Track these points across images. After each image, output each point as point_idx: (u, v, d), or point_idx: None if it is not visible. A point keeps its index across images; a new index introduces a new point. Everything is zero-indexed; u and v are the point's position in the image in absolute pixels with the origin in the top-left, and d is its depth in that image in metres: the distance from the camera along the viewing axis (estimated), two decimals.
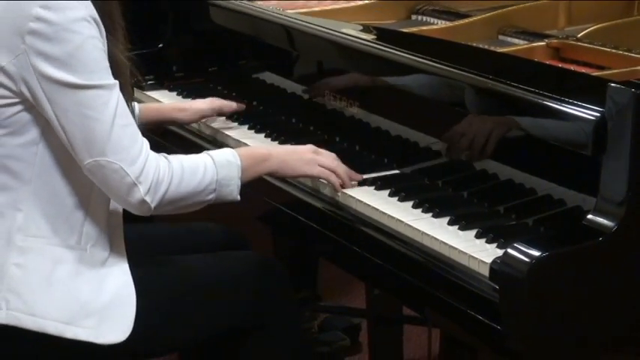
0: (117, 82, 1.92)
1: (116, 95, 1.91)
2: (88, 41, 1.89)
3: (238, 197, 2.05)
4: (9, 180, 1.97)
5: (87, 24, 1.89)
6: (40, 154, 1.97)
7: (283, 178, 2.23)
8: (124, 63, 2.01)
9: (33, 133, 1.96)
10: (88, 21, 1.89)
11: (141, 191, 1.92)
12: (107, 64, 1.92)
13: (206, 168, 2.00)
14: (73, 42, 1.88)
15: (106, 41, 1.94)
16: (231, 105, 2.54)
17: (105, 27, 1.94)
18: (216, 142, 2.47)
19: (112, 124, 1.90)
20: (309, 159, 2.15)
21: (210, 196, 2.02)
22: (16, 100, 1.93)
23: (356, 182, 2.16)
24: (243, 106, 2.54)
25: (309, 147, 2.19)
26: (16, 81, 1.91)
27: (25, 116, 1.95)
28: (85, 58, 1.89)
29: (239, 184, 2.04)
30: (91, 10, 1.90)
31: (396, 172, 2.19)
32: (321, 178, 2.16)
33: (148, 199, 1.93)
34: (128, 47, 2.04)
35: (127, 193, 1.92)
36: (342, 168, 2.14)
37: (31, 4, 1.87)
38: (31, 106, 1.93)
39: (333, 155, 2.17)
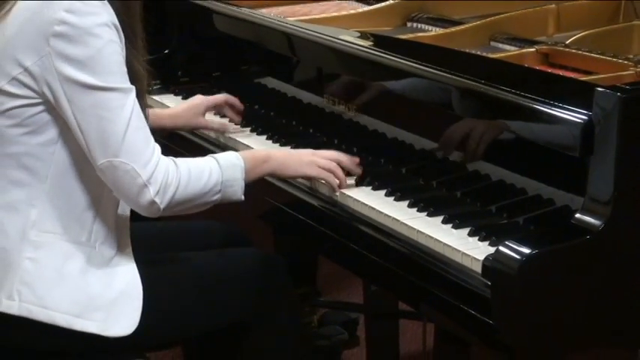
0: (133, 87, 1.93)
1: (132, 99, 1.93)
2: (109, 45, 1.90)
3: (242, 197, 2.05)
4: (26, 177, 1.97)
5: (108, 29, 1.91)
6: (57, 153, 1.97)
7: (284, 179, 2.23)
8: (142, 72, 2.02)
9: (51, 133, 1.97)
10: (109, 26, 1.91)
11: (151, 193, 1.93)
12: (125, 69, 1.93)
13: (211, 170, 2.01)
14: (95, 45, 1.89)
15: (124, 48, 1.95)
16: (228, 99, 2.54)
17: (126, 37, 1.95)
18: (220, 144, 2.47)
19: (127, 126, 1.91)
20: (308, 161, 2.15)
21: (216, 197, 2.02)
22: (38, 100, 1.94)
23: (353, 183, 2.16)
24: (242, 106, 2.54)
25: (309, 150, 2.20)
26: (39, 81, 1.93)
27: (45, 116, 1.96)
28: (105, 61, 1.90)
29: (243, 184, 2.05)
30: (112, 17, 1.92)
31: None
32: (319, 178, 2.16)
33: (157, 200, 1.93)
34: (146, 58, 2.04)
35: (138, 194, 1.93)
36: (340, 172, 2.14)
37: (57, 9, 1.89)
38: (52, 107, 1.94)
39: (333, 155, 2.17)
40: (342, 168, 2.16)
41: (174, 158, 1.99)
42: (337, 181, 2.14)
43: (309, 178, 2.19)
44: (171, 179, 1.95)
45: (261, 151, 2.21)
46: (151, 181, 1.92)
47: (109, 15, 1.90)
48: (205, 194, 2.01)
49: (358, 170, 2.17)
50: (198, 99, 2.53)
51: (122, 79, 1.92)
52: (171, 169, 1.95)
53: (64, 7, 1.88)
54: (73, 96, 1.90)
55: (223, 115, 2.56)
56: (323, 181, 2.16)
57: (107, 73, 1.90)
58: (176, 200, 1.96)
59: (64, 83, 1.89)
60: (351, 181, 2.15)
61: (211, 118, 2.52)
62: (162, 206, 1.94)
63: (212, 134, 2.50)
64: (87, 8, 1.89)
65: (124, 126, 1.90)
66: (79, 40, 1.88)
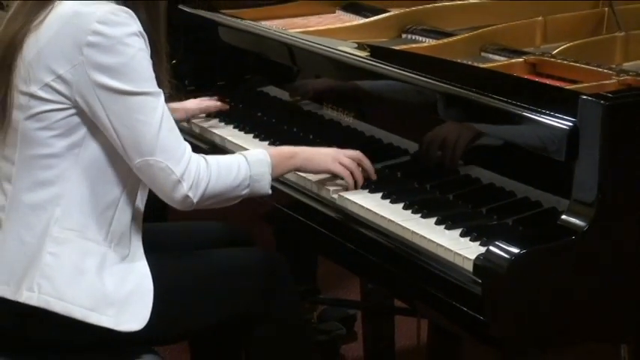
0: (162, 90, 1.96)
1: (162, 102, 1.96)
2: (139, 53, 1.93)
3: (270, 191, 2.08)
4: (53, 177, 1.98)
5: (137, 38, 1.93)
6: (81, 156, 1.99)
7: (284, 182, 2.24)
8: (165, 81, 2.03)
9: (77, 136, 1.98)
10: (138, 36, 1.93)
11: (184, 188, 1.95)
12: (153, 74, 1.96)
13: (240, 166, 2.04)
14: (127, 54, 1.91)
15: (153, 63, 1.97)
16: (216, 104, 2.60)
17: (153, 51, 1.97)
18: (226, 149, 2.47)
19: (160, 127, 1.94)
20: (333, 157, 2.16)
21: (245, 191, 2.05)
22: (68, 105, 1.96)
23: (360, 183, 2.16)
24: (227, 106, 2.59)
25: (332, 149, 2.21)
26: (72, 88, 1.94)
27: (73, 120, 1.97)
28: (136, 68, 1.93)
29: (270, 179, 2.08)
30: (139, 27, 1.94)
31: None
32: (340, 174, 2.16)
33: (190, 194, 1.96)
34: (169, 70, 2.07)
35: (172, 189, 1.96)
36: (358, 172, 2.15)
37: (90, 20, 1.90)
38: (80, 111, 1.95)
39: (356, 155, 2.17)
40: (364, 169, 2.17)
41: (204, 155, 2.01)
42: (353, 182, 2.14)
43: (330, 173, 2.19)
44: (202, 175, 1.97)
45: (288, 147, 2.21)
46: (185, 177, 1.95)
47: (137, 25, 1.93)
48: (235, 188, 2.03)
49: (374, 175, 2.17)
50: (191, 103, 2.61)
51: (152, 84, 1.95)
52: (202, 165, 1.98)
53: (96, 18, 1.90)
54: (107, 102, 1.92)
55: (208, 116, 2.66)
56: (330, 187, 2.16)
57: (139, 79, 1.92)
58: (208, 194, 1.98)
59: (98, 90, 1.91)
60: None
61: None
62: (195, 200, 1.97)
63: (216, 139, 2.49)
64: (118, 19, 1.91)
65: (157, 127, 1.93)
66: (111, 50, 1.90)
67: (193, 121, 2.62)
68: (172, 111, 2.48)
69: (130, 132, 1.92)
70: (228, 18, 2.70)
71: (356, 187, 2.13)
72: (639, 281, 1.81)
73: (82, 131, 1.96)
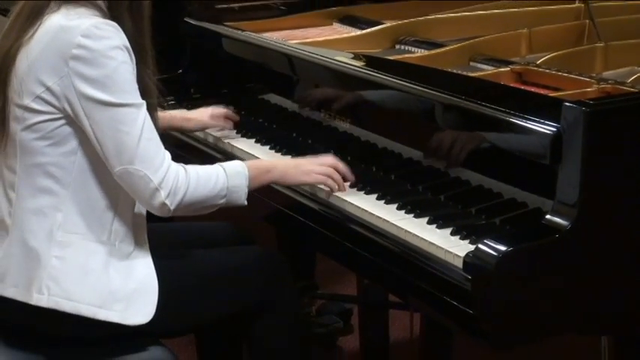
0: (144, 102, 1.94)
1: (144, 113, 1.93)
2: (122, 66, 1.91)
3: (245, 202, 2.05)
4: (52, 184, 1.97)
5: (120, 51, 1.90)
6: (78, 162, 1.97)
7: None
8: (153, 87, 2.02)
9: (72, 144, 1.96)
10: (121, 49, 1.91)
11: (162, 195, 1.93)
12: (136, 86, 1.93)
13: (218, 177, 2.01)
14: (109, 66, 1.89)
15: (136, 67, 1.95)
16: (227, 113, 2.55)
17: (137, 55, 1.95)
18: (227, 153, 2.47)
19: (140, 137, 1.91)
20: (308, 170, 2.14)
21: (222, 201, 2.02)
22: (59, 115, 1.94)
23: (348, 185, 2.15)
24: (237, 117, 2.55)
25: (309, 159, 2.18)
26: (60, 99, 1.92)
27: (66, 129, 1.95)
28: (118, 80, 1.90)
29: (246, 191, 2.05)
30: (124, 40, 1.92)
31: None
32: (317, 183, 2.15)
33: (167, 202, 1.93)
34: (156, 73, 2.04)
35: (150, 196, 1.93)
36: (336, 175, 2.13)
37: (75, 34, 1.89)
38: (71, 120, 1.94)
39: (330, 161, 2.15)
40: (340, 172, 2.15)
41: (184, 165, 1.99)
42: (335, 185, 2.13)
43: (307, 184, 2.18)
44: (180, 184, 1.95)
45: (265, 161, 2.21)
46: (162, 185, 1.93)
47: (120, 39, 1.91)
48: (212, 198, 2.00)
49: (352, 177, 2.16)
50: (205, 109, 2.55)
51: (134, 96, 1.92)
52: (181, 174, 1.96)
53: (80, 32, 1.89)
54: (90, 112, 1.90)
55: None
56: (322, 186, 2.16)
57: (121, 91, 1.90)
58: (185, 203, 1.96)
59: (83, 100, 1.90)
60: (345, 183, 2.14)
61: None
62: (172, 207, 1.95)
63: (221, 144, 2.48)
64: (101, 33, 1.89)
65: (137, 137, 1.91)
66: (94, 62, 1.88)
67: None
68: (186, 121, 2.50)
69: (111, 141, 1.91)
70: (232, 30, 2.70)
71: (339, 190, 2.12)
72: (619, 277, 1.81)
73: (76, 140, 1.95)
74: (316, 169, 2.14)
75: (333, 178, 2.13)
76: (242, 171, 2.06)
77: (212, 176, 2.01)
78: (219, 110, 2.55)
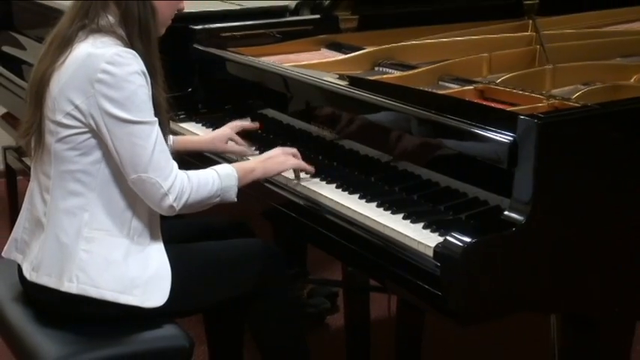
0: (157, 119, 1.94)
1: (156, 129, 1.93)
2: (139, 89, 1.91)
3: (236, 199, 2.07)
4: (80, 188, 1.97)
5: (138, 76, 1.91)
6: (102, 170, 1.98)
7: (278, 184, 2.22)
8: (164, 104, 2.01)
9: (97, 154, 1.96)
10: (139, 74, 1.91)
11: (170, 199, 1.94)
12: (151, 105, 1.93)
13: (213, 180, 2.02)
14: (129, 89, 1.89)
15: (151, 88, 1.94)
16: (243, 125, 2.48)
17: (150, 74, 1.94)
18: (231, 160, 2.45)
19: (153, 150, 1.91)
20: (281, 160, 2.17)
21: (217, 199, 2.04)
22: (86, 129, 1.94)
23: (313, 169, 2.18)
24: (256, 126, 2.50)
25: (277, 150, 2.19)
26: (86, 115, 1.92)
27: (92, 142, 1.95)
28: (136, 101, 1.90)
29: (236, 190, 2.07)
30: (141, 66, 1.92)
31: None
32: (294, 167, 2.17)
33: (174, 204, 1.95)
34: (166, 90, 2.04)
35: (160, 200, 1.95)
36: (299, 155, 2.18)
37: (100, 61, 1.89)
38: (96, 134, 1.95)
39: (290, 149, 2.19)
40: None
41: (187, 171, 1.99)
42: (307, 165, 2.17)
43: (287, 170, 2.19)
44: (185, 189, 1.96)
45: (248, 162, 2.21)
46: (171, 190, 1.94)
47: (138, 65, 1.91)
48: (209, 198, 2.02)
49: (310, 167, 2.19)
50: (222, 131, 2.44)
51: (149, 115, 1.92)
52: (185, 181, 1.97)
53: (105, 59, 1.89)
54: (111, 127, 1.90)
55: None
56: (304, 175, 2.18)
57: (138, 110, 1.90)
58: (188, 204, 1.97)
59: (105, 117, 1.90)
60: (332, 185, 2.14)
61: (232, 145, 2.44)
62: (177, 208, 1.96)
63: (233, 156, 2.46)
64: (123, 60, 1.89)
65: (151, 150, 1.91)
66: (116, 85, 1.88)
67: None
68: (201, 145, 2.44)
69: (127, 153, 1.91)
70: (234, 54, 2.69)
71: (307, 171, 2.17)
72: (566, 263, 1.80)
73: (100, 151, 1.96)
74: (286, 157, 2.17)
75: (301, 164, 2.17)
76: (232, 173, 2.07)
77: (209, 180, 2.01)
78: (233, 131, 2.44)
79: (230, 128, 2.44)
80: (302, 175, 2.19)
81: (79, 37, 1.95)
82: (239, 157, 2.41)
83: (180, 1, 2.09)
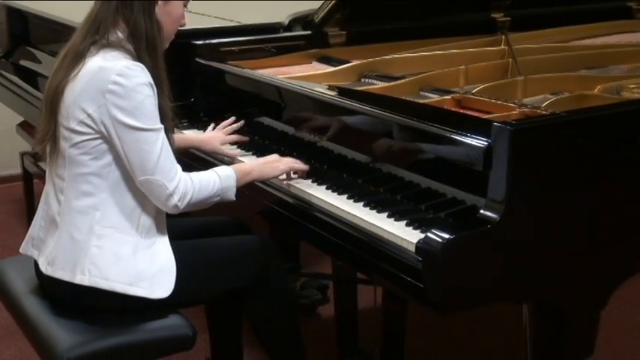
0: (163, 126, 1.94)
1: (162, 135, 1.93)
2: (147, 99, 1.91)
3: (234, 199, 2.07)
4: (92, 189, 1.97)
5: (146, 87, 1.91)
6: (112, 172, 1.97)
7: (274, 186, 2.21)
8: (169, 111, 2.01)
9: (108, 158, 1.96)
10: (147, 85, 1.91)
11: (175, 199, 1.94)
12: (157, 114, 1.93)
13: (214, 182, 2.02)
14: (137, 99, 1.89)
15: (157, 98, 1.94)
16: (231, 123, 2.50)
17: (156, 85, 1.94)
18: (226, 162, 2.44)
19: (159, 155, 1.92)
20: (275, 165, 2.16)
21: (217, 199, 2.04)
22: (97, 135, 1.94)
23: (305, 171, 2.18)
24: (246, 138, 2.50)
25: (274, 156, 2.20)
26: (98, 123, 1.92)
27: (104, 146, 1.95)
28: (144, 110, 1.91)
29: (234, 190, 2.07)
30: (149, 78, 1.92)
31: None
32: (286, 172, 2.17)
33: (179, 204, 1.95)
34: (171, 99, 2.04)
35: (166, 199, 1.95)
36: (297, 165, 2.17)
37: (111, 73, 1.90)
38: (107, 140, 1.94)
39: (291, 161, 2.19)
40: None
41: (190, 173, 2.00)
42: (299, 166, 2.16)
43: (279, 175, 2.19)
44: (188, 189, 1.96)
45: (246, 165, 2.20)
46: (175, 191, 1.94)
47: (146, 76, 1.91)
48: (210, 198, 2.02)
49: (305, 167, 2.19)
50: (216, 132, 2.48)
51: (156, 122, 1.92)
52: (189, 182, 1.97)
53: (115, 71, 1.89)
54: (121, 133, 1.90)
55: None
56: (295, 176, 2.17)
57: (145, 118, 1.90)
58: (191, 203, 1.98)
59: (116, 124, 1.90)
60: (322, 186, 2.13)
61: (227, 147, 2.46)
62: (181, 207, 1.97)
63: (226, 158, 2.46)
64: (132, 72, 1.89)
65: (157, 155, 1.91)
66: (126, 95, 1.88)
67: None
68: (201, 143, 2.45)
69: (136, 157, 1.91)
70: (233, 67, 2.68)
71: (303, 172, 2.17)
72: (537, 257, 1.80)
73: (111, 155, 1.95)
74: (279, 163, 2.16)
75: (294, 169, 2.17)
76: (231, 175, 2.07)
77: (210, 181, 2.02)
78: (226, 132, 2.48)
79: (222, 131, 2.46)
80: (295, 176, 2.19)
81: (91, 52, 1.95)
82: (233, 159, 2.41)
83: (183, 18, 2.09)
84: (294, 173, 2.19)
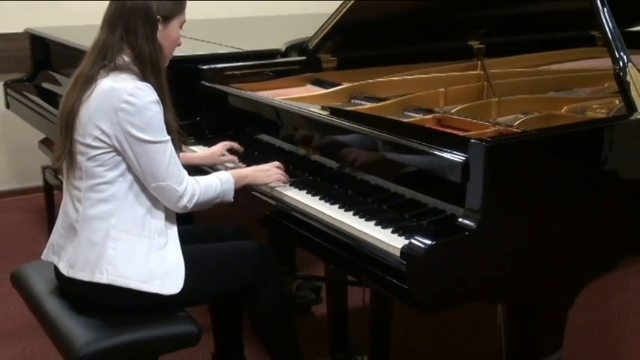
0: (169, 137, 1.95)
1: (170, 146, 1.96)
2: (156, 115, 1.93)
3: (232, 200, 2.10)
4: (108, 197, 1.97)
5: (155, 104, 1.92)
6: (125, 182, 1.99)
7: (271, 196, 2.21)
8: (174, 124, 2.03)
9: (121, 169, 1.97)
10: (155, 103, 1.92)
11: (184, 200, 1.98)
12: (164, 127, 1.95)
13: (216, 184, 2.06)
14: (147, 115, 1.90)
15: (163, 112, 1.95)
16: (232, 145, 2.50)
17: (161, 101, 1.96)
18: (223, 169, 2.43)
19: (169, 163, 1.94)
20: (267, 174, 2.19)
21: (217, 200, 2.07)
22: (111, 149, 1.95)
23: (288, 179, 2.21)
24: (242, 148, 2.50)
25: (268, 165, 2.22)
26: (112, 138, 1.93)
27: (117, 158, 1.96)
28: (153, 125, 1.92)
29: (233, 192, 2.10)
30: (156, 96, 1.94)
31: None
32: (274, 180, 2.19)
33: (187, 204, 1.99)
34: (175, 113, 2.06)
35: (176, 201, 1.98)
36: (284, 177, 2.20)
37: (122, 92, 1.91)
38: (119, 153, 1.96)
39: (276, 163, 2.22)
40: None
41: (195, 177, 2.03)
42: (284, 178, 2.19)
43: (269, 183, 2.20)
44: (195, 191, 2.00)
45: (243, 170, 2.22)
46: (185, 193, 1.98)
47: (154, 95, 1.93)
48: (212, 199, 2.05)
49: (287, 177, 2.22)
50: (217, 148, 2.46)
51: (164, 135, 1.95)
52: (195, 185, 2.01)
53: (127, 92, 1.91)
54: (134, 147, 1.92)
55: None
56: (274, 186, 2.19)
57: (155, 132, 1.92)
58: (197, 203, 2.01)
59: (129, 139, 1.91)
60: (316, 197, 2.13)
61: (225, 157, 2.47)
62: (189, 207, 2.00)
63: (223, 167, 2.45)
64: (141, 92, 1.91)
65: (167, 163, 1.94)
66: (137, 113, 1.90)
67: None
68: (203, 160, 2.45)
69: (148, 166, 1.93)
70: (235, 89, 2.68)
71: (286, 181, 2.20)
72: (511, 262, 1.80)
73: (124, 166, 1.96)
74: (270, 171, 2.19)
75: (281, 179, 2.19)
76: (230, 178, 2.10)
77: (213, 184, 2.05)
78: (224, 148, 2.47)
79: (222, 146, 2.46)
80: (288, 186, 2.19)
81: (101, 75, 1.97)
82: (230, 166, 2.41)
83: (179, 38, 2.09)
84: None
